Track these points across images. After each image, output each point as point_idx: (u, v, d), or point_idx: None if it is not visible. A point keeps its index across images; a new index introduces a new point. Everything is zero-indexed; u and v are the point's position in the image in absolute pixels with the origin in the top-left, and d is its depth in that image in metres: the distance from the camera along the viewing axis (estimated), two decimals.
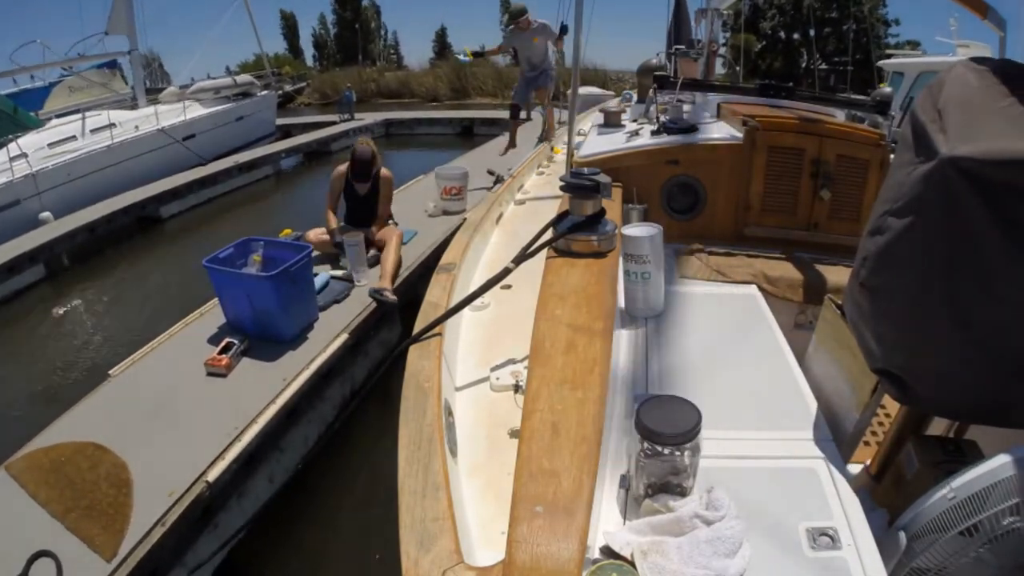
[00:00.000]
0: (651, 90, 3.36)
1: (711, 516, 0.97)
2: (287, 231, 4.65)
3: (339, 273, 4.08)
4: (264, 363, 3.14)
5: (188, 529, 2.33)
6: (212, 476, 2.41)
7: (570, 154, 3.03)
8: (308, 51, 36.74)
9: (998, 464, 0.96)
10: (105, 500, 2.26)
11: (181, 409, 2.79)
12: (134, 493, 2.29)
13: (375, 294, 3.84)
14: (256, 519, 2.58)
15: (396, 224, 4.58)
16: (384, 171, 4.33)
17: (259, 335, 3.28)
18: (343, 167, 4.32)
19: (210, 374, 3.04)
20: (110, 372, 3.16)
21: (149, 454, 2.48)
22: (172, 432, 2.64)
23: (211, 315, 3.67)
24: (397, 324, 4.16)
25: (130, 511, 2.21)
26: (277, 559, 2.69)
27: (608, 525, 1.04)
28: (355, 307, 3.76)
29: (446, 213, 5.58)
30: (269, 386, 2.96)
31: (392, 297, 3.88)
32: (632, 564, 0.91)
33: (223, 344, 3.15)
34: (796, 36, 27.13)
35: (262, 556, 2.68)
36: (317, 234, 4.29)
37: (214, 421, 2.69)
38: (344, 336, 3.46)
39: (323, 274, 3.95)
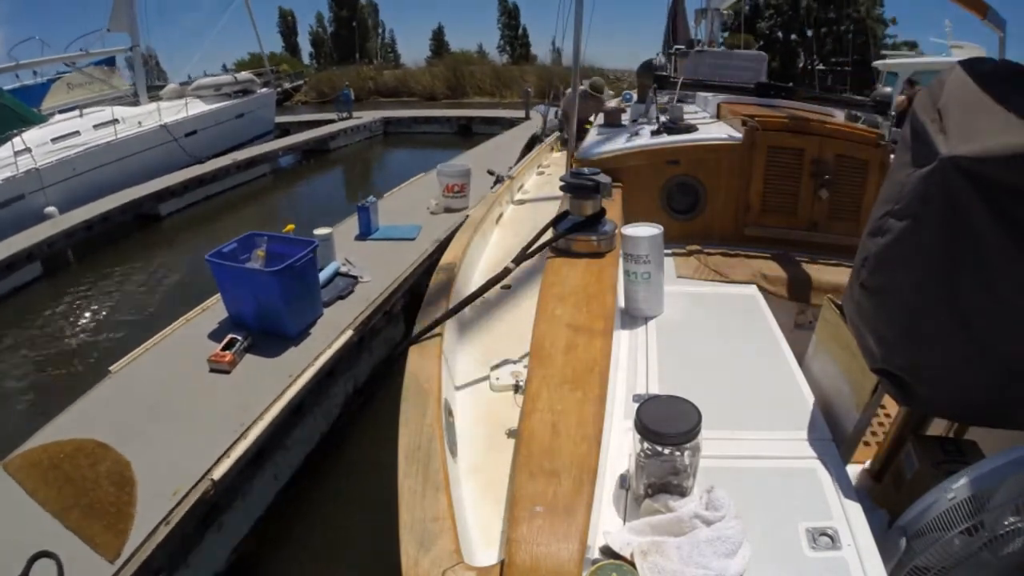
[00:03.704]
0: (651, 90, 3.36)
1: (711, 516, 0.97)
2: (291, 227, 4.65)
3: (345, 268, 4.09)
4: (268, 359, 3.13)
5: (193, 528, 2.30)
6: (218, 474, 2.37)
7: (570, 154, 3.02)
8: (306, 49, 36.77)
9: (998, 464, 0.96)
10: (107, 499, 2.22)
11: (184, 406, 2.76)
12: (137, 492, 2.25)
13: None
14: (261, 519, 2.56)
15: None
16: None
17: (262, 331, 3.25)
18: None
19: (213, 370, 3.01)
20: (110, 368, 3.13)
21: (152, 452, 2.44)
22: (175, 429, 2.60)
23: (212, 311, 3.64)
24: (401, 321, 4.16)
25: (133, 510, 2.17)
26: (279, 557, 2.68)
27: (608, 525, 1.04)
28: (359, 304, 3.74)
29: (448, 210, 5.58)
30: (274, 382, 2.93)
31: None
32: (632, 564, 0.91)
33: (226, 340, 3.12)
34: (794, 36, 27.14)
35: (264, 553, 2.67)
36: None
37: (218, 418, 2.67)
38: (349, 333, 3.44)
39: (329, 267, 3.93)
